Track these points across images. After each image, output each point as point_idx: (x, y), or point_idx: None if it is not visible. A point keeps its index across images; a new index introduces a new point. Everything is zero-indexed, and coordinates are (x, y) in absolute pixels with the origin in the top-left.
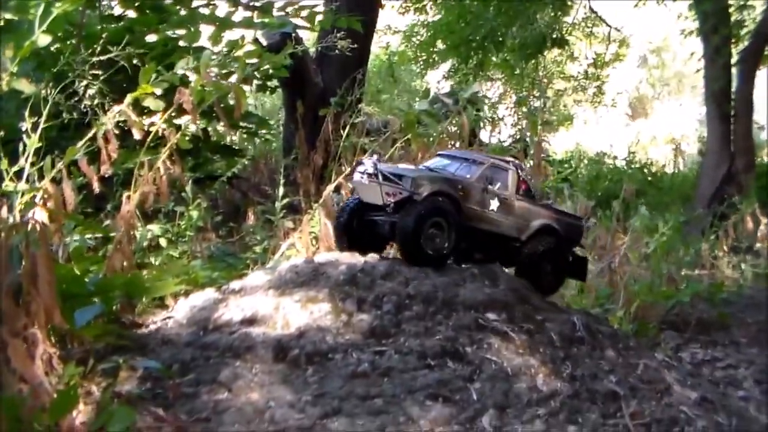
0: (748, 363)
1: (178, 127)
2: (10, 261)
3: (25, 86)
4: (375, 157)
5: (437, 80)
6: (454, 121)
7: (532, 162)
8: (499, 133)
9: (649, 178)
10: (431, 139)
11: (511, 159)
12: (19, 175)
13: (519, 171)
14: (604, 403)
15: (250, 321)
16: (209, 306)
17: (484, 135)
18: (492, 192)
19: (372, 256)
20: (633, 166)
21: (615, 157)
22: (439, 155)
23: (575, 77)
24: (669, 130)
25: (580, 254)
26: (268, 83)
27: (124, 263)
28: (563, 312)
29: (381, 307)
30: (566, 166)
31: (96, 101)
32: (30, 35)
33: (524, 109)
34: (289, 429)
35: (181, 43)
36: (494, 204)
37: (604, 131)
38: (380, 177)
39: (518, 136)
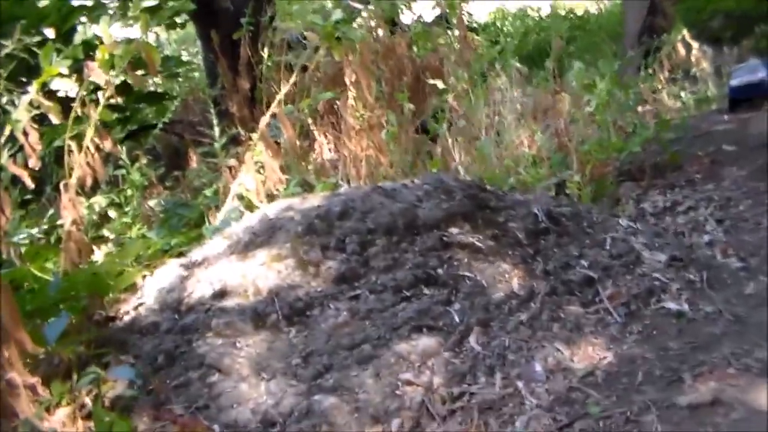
0: (707, 201)
1: (97, 101)
2: None
3: None
4: None
5: None
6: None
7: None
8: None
9: (576, 23)
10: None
11: None
12: None
13: None
14: (581, 292)
15: (221, 294)
16: (177, 285)
17: (405, 18)
18: None
19: (323, 196)
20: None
21: (539, 9)
22: None
23: None
24: None
25: None
26: (177, 19)
27: (81, 252)
28: (523, 204)
29: (345, 249)
30: (492, 29)
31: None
32: None
33: None
34: (287, 396)
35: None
36: None
37: None
38: None
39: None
